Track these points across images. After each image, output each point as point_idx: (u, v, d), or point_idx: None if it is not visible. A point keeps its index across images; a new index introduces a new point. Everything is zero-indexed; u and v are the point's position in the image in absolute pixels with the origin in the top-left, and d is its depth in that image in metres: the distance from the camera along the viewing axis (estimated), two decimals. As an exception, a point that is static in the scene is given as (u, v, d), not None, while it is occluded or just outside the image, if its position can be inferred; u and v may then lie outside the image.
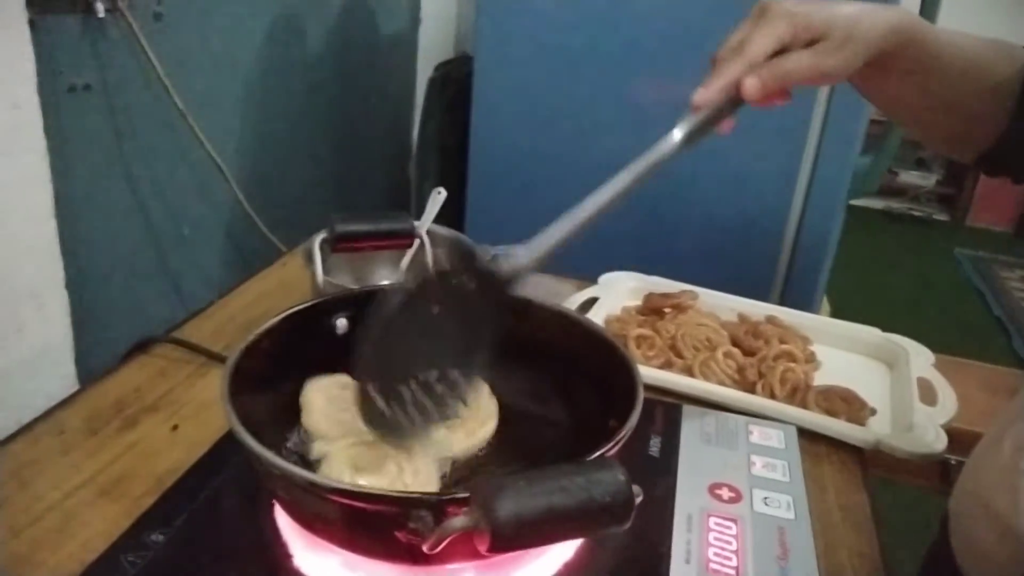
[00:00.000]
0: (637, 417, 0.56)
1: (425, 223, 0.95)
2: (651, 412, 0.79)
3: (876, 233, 4.01)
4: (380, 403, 0.56)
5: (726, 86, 0.61)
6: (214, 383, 0.80)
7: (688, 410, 0.81)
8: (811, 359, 0.95)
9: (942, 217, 4.43)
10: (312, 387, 0.67)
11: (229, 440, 0.71)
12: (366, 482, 0.57)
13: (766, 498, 0.68)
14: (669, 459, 0.73)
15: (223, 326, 0.95)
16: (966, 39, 0.67)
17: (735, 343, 0.96)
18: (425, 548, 0.45)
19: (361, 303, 0.72)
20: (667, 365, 0.92)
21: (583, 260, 1.11)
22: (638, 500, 0.44)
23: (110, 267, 1.10)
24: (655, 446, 0.75)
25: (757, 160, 1.48)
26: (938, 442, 0.78)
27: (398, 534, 0.46)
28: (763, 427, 0.79)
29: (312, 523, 0.55)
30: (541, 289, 0.76)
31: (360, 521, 0.50)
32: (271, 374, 0.63)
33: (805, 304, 1.43)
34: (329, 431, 0.64)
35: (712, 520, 0.65)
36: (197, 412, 0.78)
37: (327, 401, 0.66)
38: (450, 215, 1.02)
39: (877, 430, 0.82)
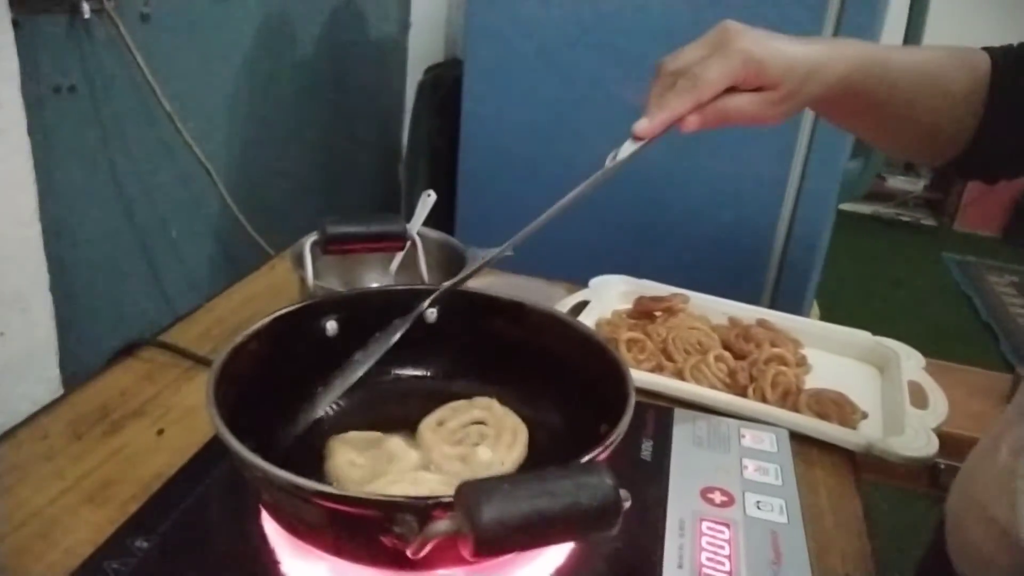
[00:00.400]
0: (628, 421, 0.56)
1: (415, 226, 0.94)
2: (643, 416, 0.79)
3: (865, 238, 4.03)
4: None
5: (670, 120, 0.61)
6: (200, 388, 0.78)
7: (680, 414, 0.81)
8: (802, 363, 0.95)
9: (930, 222, 4.45)
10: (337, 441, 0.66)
11: (216, 445, 0.70)
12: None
13: (759, 502, 0.68)
14: (661, 463, 0.72)
15: (210, 330, 0.94)
16: (923, 54, 0.68)
17: (726, 347, 0.96)
18: (409, 553, 0.44)
19: (352, 306, 0.72)
20: (658, 369, 0.92)
21: (574, 264, 1.12)
22: (626, 505, 0.43)
23: (95, 270, 1.09)
24: (647, 450, 0.74)
25: (747, 163, 1.48)
26: (929, 446, 0.78)
27: (383, 539, 0.46)
28: (755, 431, 0.79)
29: (298, 528, 0.54)
30: (532, 292, 0.76)
31: (345, 525, 0.49)
32: (259, 377, 0.62)
33: (795, 308, 1.44)
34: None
35: (705, 524, 0.64)
36: (183, 417, 0.77)
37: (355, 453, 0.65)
38: (440, 218, 1.02)
39: (868, 434, 0.82)
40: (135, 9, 1.09)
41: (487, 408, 0.69)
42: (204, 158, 1.22)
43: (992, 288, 3.66)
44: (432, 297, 0.71)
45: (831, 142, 1.44)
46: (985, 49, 0.68)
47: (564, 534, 0.44)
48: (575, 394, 0.68)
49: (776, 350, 0.93)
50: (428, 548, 0.43)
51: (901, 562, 0.77)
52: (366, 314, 0.71)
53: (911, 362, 0.95)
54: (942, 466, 0.89)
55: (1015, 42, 0.69)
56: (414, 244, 0.85)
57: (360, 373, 0.68)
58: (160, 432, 0.75)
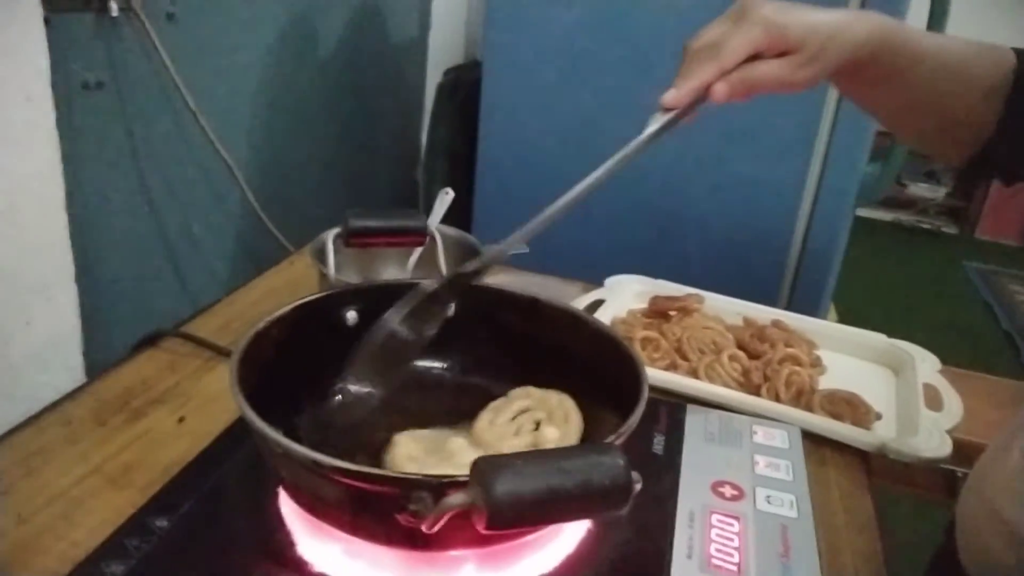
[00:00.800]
0: (641, 411, 0.57)
1: (433, 223, 0.95)
2: (655, 410, 0.79)
3: (885, 245, 4.00)
4: None
5: (697, 88, 0.62)
6: (221, 377, 0.81)
7: (692, 410, 0.81)
8: (816, 363, 0.95)
9: (951, 230, 4.41)
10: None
11: (235, 431, 0.72)
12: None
13: (769, 496, 0.68)
14: (672, 456, 0.73)
15: (230, 322, 0.95)
16: (950, 42, 0.68)
17: (740, 346, 0.96)
18: (424, 527, 0.45)
19: (373, 296, 0.73)
20: (672, 367, 0.92)
21: (590, 263, 1.12)
22: (637, 487, 0.44)
23: (119, 262, 1.10)
24: (659, 444, 0.75)
25: (765, 166, 1.48)
26: (943, 447, 0.78)
27: (399, 516, 0.47)
28: (767, 427, 0.79)
29: (315, 506, 0.55)
30: (547, 291, 0.77)
31: (361, 503, 0.50)
32: (280, 362, 0.63)
33: (811, 311, 1.43)
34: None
35: (714, 517, 0.65)
36: (204, 405, 0.79)
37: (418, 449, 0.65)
38: (457, 219, 1.03)
39: (882, 434, 0.82)
40: (161, 8, 1.11)
41: (526, 395, 0.69)
42: (226, 155, 1.24)
43: (1013, 297, 3.62)
44: (458, 275, 0.70)
45: (849, 144, 1.44)
46: (1014, 50, 0.68)
47: (576, 511, 0.45)
48: (589, 389, 0.69)
49: (790, 350, 0.93)
50: (443, 522, 0.44)
51: (910, 563, 0.77)
52: (387, 305, 0.71)
53: (926, 365, 0.95)
54: (959, 474, 0.89)
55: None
56: (433, 240, 0.86)
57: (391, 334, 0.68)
58: (181, 420, 0.76)
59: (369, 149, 1.89)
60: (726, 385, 0.89)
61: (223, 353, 0.86)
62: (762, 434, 0.78)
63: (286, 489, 0.58)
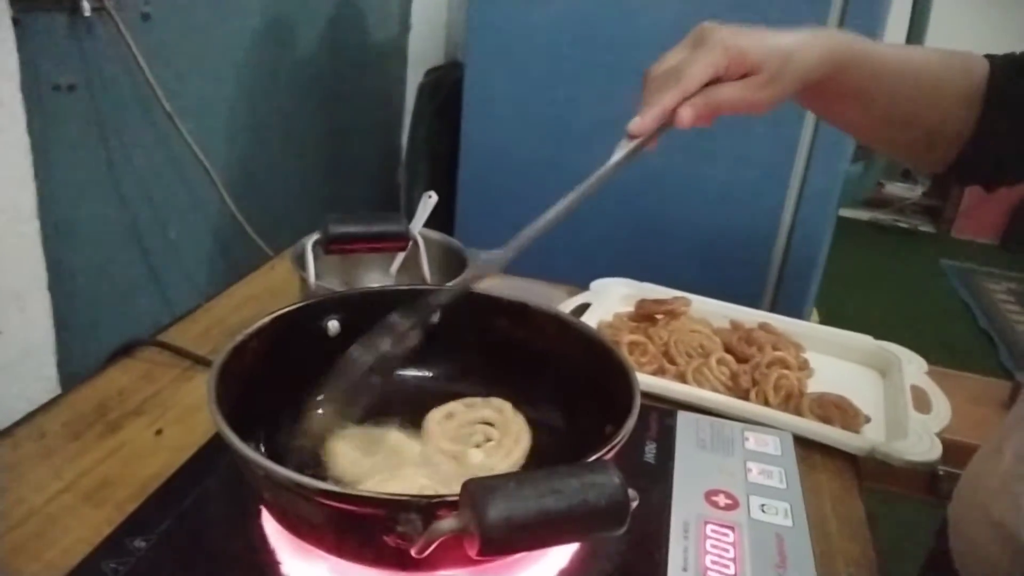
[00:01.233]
0: (634, 421, 0.55)
1: (416, 227, 0.94)
2: (646, 418, 0.78)
3: (863, 244, 4.03)
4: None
5: (661, 115, 0.62)
6: (199, 387, 0.78)
7: (683, 416, 0.80)
8: (804, 366, 0.94)
9: (928, 228, 4.46)
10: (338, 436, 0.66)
11: (215, 445, 0.70)
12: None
13: (763, 505, 0.67)
14: (665, 465, 0.72)
15: (209, 330, 0.93)
16: (916, 54, 0.68)
17: (728, 350, 0.95)
18: (414, 552, 0.44)
19: (354, 305, 0.71)
20: (660, 372, 0.91)
21: (575, 266, 1.11)
22: (634, 504, 0.43)
23: (94, 269, 1.08)
24: (650, 452, 0.74)
25: (749, 168, 1.48)
26: (933, 450, 0.78)
27: (386, 538, 0.45)
28: (759, 433, 0.78)
29: (299, 527, 0.53)
30: (533, 295, 0.75)
31: (348, 524, 0.49)
32: (260, 376, 0.62)
33: (795, 313, 1.43)
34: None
35: (709, 527, 0.64)
36: (182, 417, 0.76)
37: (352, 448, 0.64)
38: (439, 220, 1.01)
39: (872, 438, 0.81)
40: (136, 8, 1.09)
41: (499, 410, 0.68)
42: (203, 158, 1.22)
43: (990, 295, 3.66)
44: (441, 301, 0.69)
45: (832, 146, 1.44)
46: (987, 56, 0.68)
47: (572, 534, 0.44)
48: (578, 395, 0.68)
49: (778, 353, 0.92)
50: (432, 547, 0.42)
51: (901, 566, 0.76)
52: (368, 314, 0.70)
53: (913, 366, 0.95)
54: (941, 472, 0.89)
55: (1016, 45, 0.69)
56: (416, 244, 0.84)
57: (361, 371, 0.67)
58: (159, 432, 0.74)
59: (350, 150, 1.88)
60: (714, 389, 0.88)
61: (202, 362, 0.84)
62: (754, 440, 0.77)
63: (269, 510, 0.57)
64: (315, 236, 0.80)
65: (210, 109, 1.31)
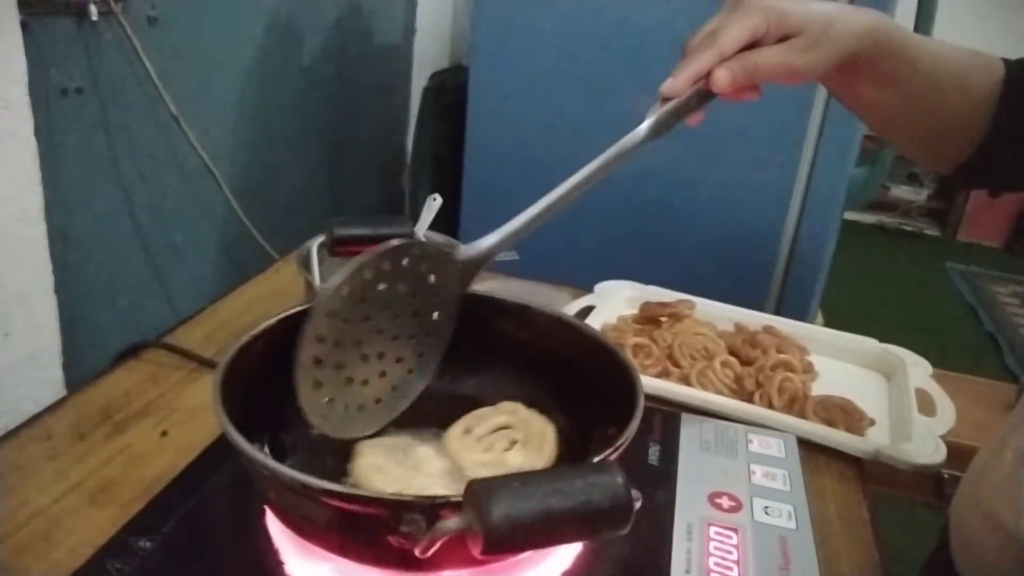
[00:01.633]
0: (637, 423, 0.55)
1: (421, 229, 0.94)
2: (649, 420, 0.78)
3: (868, 247, 4.02)
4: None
5: (695, 76, 0.60)
6: (204, 389, 0.79)
7: (687, 418, 0.80)
8: (809, 369, 0.94)
9: (933, 232, 4.45)
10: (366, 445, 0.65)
11: (220, 446, 0.70)
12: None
13: (767, 507, 0.67)
14: (668, 467, 0.72)
15: (214, 332, 0.93)
16: (944, 48, 0.67)
17: (732, 352, 0.95)
18: (417, 552, 0.44)
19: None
20: (664, 374, 0.91)
21: (579, 269, 1.11)
22: (637, 505, 0.43)
23: (100, 272, 1.08)
24: (654, 454, 0.74)
25: (753, 170, 1.48)
26: (937, 453, 0.78)
27: (390, 539, 0.45)
28: (763, 436, 0.78)
29: (303, 528, 0.53)
30: (537, 297, 0.75)
31: (352, 524, 0.49)
32: (265, 378, 0.62)
33: (800, 316, 1.43)
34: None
35: (712, 529, 0.64)
36: (187, 418, 0.77)
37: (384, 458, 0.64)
38: (444, 223, 1.01)
39: (876, 441, 0.81)
40: (142, 12, 1.09)
41: (512, 412, 0.68)
42: (209, 161, 1.22)
43: (995, 298, 3.65)
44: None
45: (837, 148, 1.44)
46: (1002, 59, 0.68)
47: (575, 533, 0.44)
48: (582, 397, 0.68)
49: (783, 356, 0.92)
50: (436, 547, 0.43)
51: (904, 567, 0.76)
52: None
53: (918, 369, 0.95)
54: (946, 476, 0.88)
55: (1022, 43, 0.69)
56: (421, 247, 0.84)
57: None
58: (164, 434, 0.74)
59: (355, 154, 1.88)
60: (718, 392, 0.88)
61: (207, 364, 0.85)
62: (758, 443, 0.77)
63: (273, 511, 0.57)
64: (320, 239, 0.80)
65: (216, 113, 1.32)
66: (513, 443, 0.65)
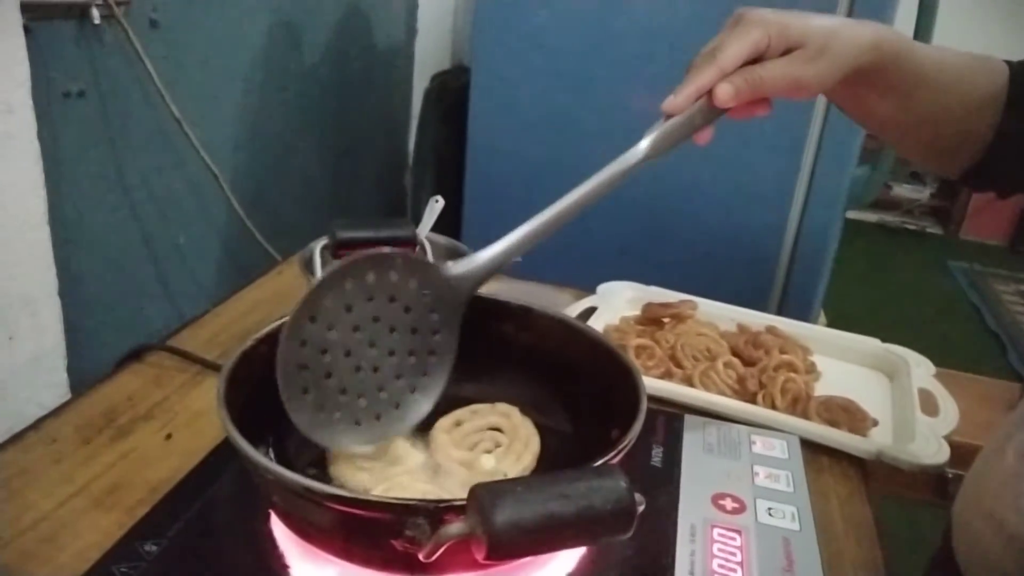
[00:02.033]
0: (640, 426, 0.56)
1: (423, 231, 0.94)
2: (652, 422, 0.78)
3: (870, 246, 4.02)
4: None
5: (696, 93, 0.60)
6: (209, 392, 0.79)
7: (690, 420, 0.80)
8: (811, 369, 0.94)
9: (936, 230, 4.44)
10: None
11: (224, 449, 0.70)
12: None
13: (770, 508, 0.67)
14: (671, 469, 0.72)
15: (217, 335, 0.94)
16: (947, 54, 0.67)
17: (735, 353, 0.95)
18: (421, 556, 0.44)
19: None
20: (667, 375, 0.91)
21: (581, 270, 1.11)
22: (640, 509, 0.43)
23: (103, 275, 1.09)
24: (657, 456, 0.74)
25: (755, 171, 1.48)
26: (940, 453, 0.78)
27: (394, 542, 0.45)
28: (766, 437, 0.78)
29: (308, 532, 0.54)
30: (539, 298, 0.75)
31: (356, 529, 0.49)
32: (269, 381, 0.62)
33: (803, 316, 1.43)
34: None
35: (716, 531, 0.64)
36: (191, 421, 0.77)
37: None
38: (446, 225, 1.01)
39: (879, 441, 0.81)
40: (144, 15, 1.09)
41: (506, 415, 0.68)
42: (212, 164, 1.23)
43: (999, 297, 3.65)
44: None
45: (839, 147, 1.44)
46: (1005, 61, 0.68)
47: (578, 538, 0.44)
48: (584, 399, 0.68)
49: (785, 357, 0.92)
50: (440, 551, 0.43)
51: (907, 567, 0.76)
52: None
53: (920, 369, 0.95)
54: (950, 475, 0.88)
55: (1022, 45, 0.69)
56: (423, 249, 0.85)
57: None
58: (168, 436, 0.74)
59: (357, 155, 1.88)
60: (721, 393, 0.88)
61: (211, 367, 0.85)
62: (761, 444, 0.77)
63: (278, 514, 0.57)
64: (323, 241, 0.80)
65: (218, 115, 1.32)
66: (497, 446, 0.66)
